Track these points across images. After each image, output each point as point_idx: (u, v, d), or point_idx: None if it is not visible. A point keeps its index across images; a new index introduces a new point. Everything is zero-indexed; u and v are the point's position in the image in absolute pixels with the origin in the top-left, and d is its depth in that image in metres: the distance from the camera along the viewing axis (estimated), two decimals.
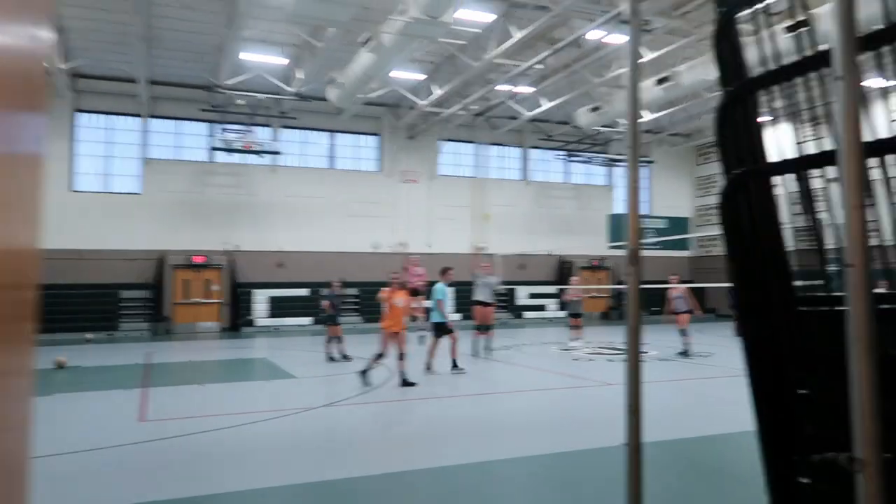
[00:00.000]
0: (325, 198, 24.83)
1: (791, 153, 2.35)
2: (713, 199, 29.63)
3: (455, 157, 27.65)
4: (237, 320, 22.90)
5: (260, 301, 23.29)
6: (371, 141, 26.27)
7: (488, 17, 16.39)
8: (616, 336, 18.93)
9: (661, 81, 19.39)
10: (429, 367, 11.96)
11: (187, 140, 23.70)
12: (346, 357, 13.74)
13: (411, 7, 13.40)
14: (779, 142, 2.45)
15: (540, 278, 27.59)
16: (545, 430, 7.72)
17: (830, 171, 2.12)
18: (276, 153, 22.72)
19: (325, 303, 14.41)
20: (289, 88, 20.68)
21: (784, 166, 2.29)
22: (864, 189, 1.69)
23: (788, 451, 2.18)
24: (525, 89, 21.90)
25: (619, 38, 17.09)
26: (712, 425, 7.91)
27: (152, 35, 17.66)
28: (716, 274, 27.01)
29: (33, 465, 1.59)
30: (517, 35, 16.31)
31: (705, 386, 11.04)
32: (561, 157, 27.89)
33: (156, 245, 22.45)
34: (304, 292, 23.42)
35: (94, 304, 21.12)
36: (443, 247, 26.10)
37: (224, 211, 23.60)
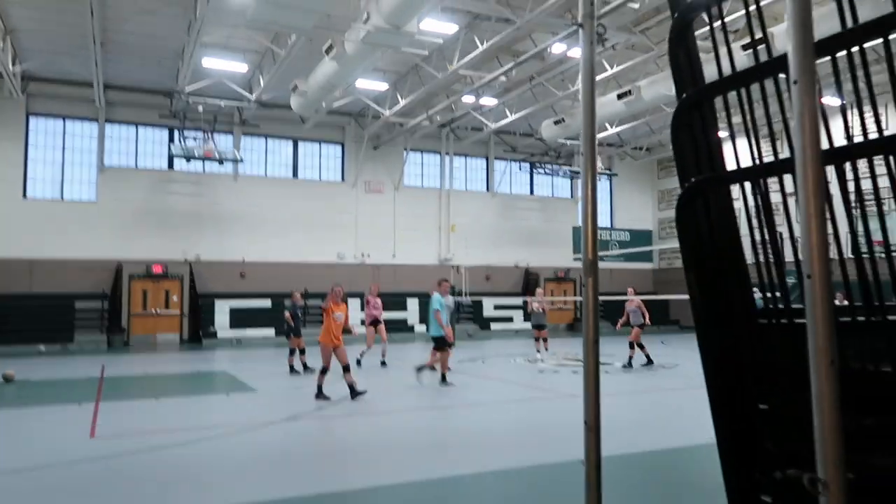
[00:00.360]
0: (288, 207, 24.50)
1: (748, 162, 2.30)
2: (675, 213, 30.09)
3: (420, 168, 27.59)
4: (197, 332, 22.40)
5: (221, 312, 22.81)
6: (335, 150, 26.05)
7: (452, 27, 16.41)
8: (581, 348, 18.96)
9: (621, 96, 19.61)
10: (444, 379, 11.89)
11: (145, 147, 23.17)
12: (308, 369, 13.50)
13: (374, 16, 13.32)
14: (736, 152, 2.41)
15: (506, 289, 27.62)
16: (508, 445, 7.62)
17: (789, 180, 2.07)
18: (238, 161, 22.38)
19: (286, 314, 14.18)
20: (251, 96, 20.40)
21: (742, 174, 2.24)
22: (823, 197, 1.64)
23: (750, 468, 2.11)
24: (489, 101, 21.99)
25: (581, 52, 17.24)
26: (674, 438, 7.90)
27: (108, 38, 17.27)
28: (679, 286, 27.38)
29: None
30: (481, 47, 16.37)
31: (668, 397, 11.08)
32: (526, 169, 28.04)
33: (112, 254, 21.86)
34: (266, 303, 23.03)
35: (47, 315, 20.40)
36: (407, 258, 26.01)
37: (184, 220, 23.11)
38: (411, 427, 8.70)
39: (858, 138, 2.00)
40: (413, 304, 25.17)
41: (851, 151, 1.89)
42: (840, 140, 1.98)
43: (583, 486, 3.41)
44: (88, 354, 18.40)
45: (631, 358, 14.59)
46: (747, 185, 2.30)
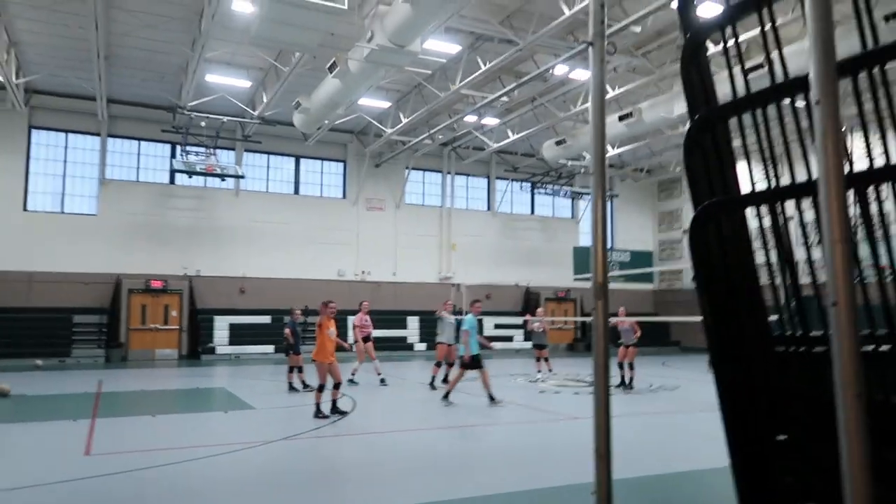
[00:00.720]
0: (289, 224, 24.46)
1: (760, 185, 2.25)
2: (675, 234, 30.13)
3: (421, 187, 27.60)
4: (196, 347, 22.25)
5: (220, 328, 22.66)
6: (337, 167, 26.07)
7: (455, 48, 16.49)
8: (582, 368, 18.85)
9: (623, 118, 19.65)
10: (492, 399, 11.78)
11: (147, 161, 23.19)
12: (307, 387, 13.37)
13: (378, 35, 13.36)
14: (752, 174, 2.35)
15: (506, 309, 27.50)
16: (512, 466, 7.50)
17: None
18: (240, 177, 22.37)
19: (286, 331, 14.07)
20: (253, 112, 20.44)
21: (758, 197, 2.18)
22: (847, 222, 1.58)
23: (767, 501, 2.03)
24: (491, 121, 22.05)
25: (583, 74, 17.34)
26: (679, 462, 7.78)
27: (112, 52, 17.34)
28: (679, 307, 27.34)
29: None
30: (483, 67, 16.43)
31: (672, 420, 10.96)
32: (527, 188, 28.06)
33: (112, 268, 21.78)
34: (265, 320, 22.91)
35: (45, 329, 20.25)
36: (408, 276, 25.93)
37: (184, 235, 23.06)
38: (410, 448, 8.57)
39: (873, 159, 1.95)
40: (413, 321, 25.05)
41: (874, 175, 1.83)
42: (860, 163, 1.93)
43: None
44: (86, 369, 18.24)
45: (632, 379, 14.47)
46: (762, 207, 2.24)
